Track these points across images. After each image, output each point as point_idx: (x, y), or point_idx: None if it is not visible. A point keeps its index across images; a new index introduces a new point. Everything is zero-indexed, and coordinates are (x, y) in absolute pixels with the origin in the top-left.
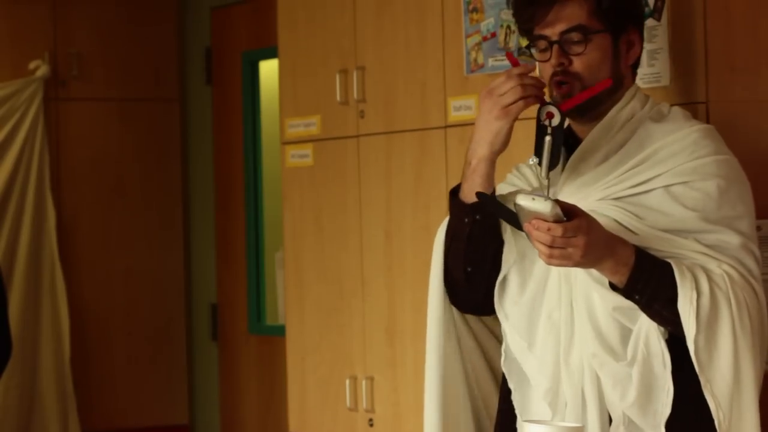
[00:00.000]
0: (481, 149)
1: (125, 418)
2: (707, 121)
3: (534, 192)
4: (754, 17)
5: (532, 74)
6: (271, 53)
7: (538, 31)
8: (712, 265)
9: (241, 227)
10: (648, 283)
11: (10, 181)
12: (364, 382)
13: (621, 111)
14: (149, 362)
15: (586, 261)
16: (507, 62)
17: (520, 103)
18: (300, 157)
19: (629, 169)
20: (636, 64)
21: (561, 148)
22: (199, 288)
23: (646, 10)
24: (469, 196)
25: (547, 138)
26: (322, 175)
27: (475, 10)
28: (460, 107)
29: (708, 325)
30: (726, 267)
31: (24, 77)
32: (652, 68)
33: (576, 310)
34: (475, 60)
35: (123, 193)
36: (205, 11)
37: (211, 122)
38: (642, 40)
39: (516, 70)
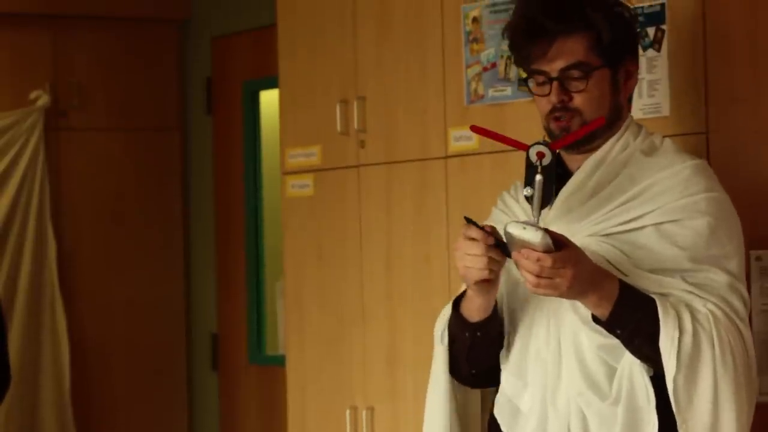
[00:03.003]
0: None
1: None
2: (707, 153)
3: (525, 221)
4: (753, 48)
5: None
6: (271, 83)
7: (536, 66)
8: (698, 304)
9: (241, 257)
10: (630, 317)
11: (11, 211)
12: (364, 413)
13: (615, 145)
14: (149, 392)
15: (571, 292)
16: (507, 92)
17: (485, 273)
18: (300, 187)
19: (619, 205)
20: (631, 95)
21: (553, 188)
22: (200, 317)
23: (646, 40)
24: (469, 314)
25: (538, 177)
26: (322, 205)
27: (475, 40)
28: (461, 137)
29: (689, 364)
30: (711, 306)
31: (24, 107)
32: (652, 99)
33: (563, 349)
34: (476, 90)
35: (123, 222)
36: (206, 41)
37: (212, 152)
38: (638, 68)
39: (488, 240)
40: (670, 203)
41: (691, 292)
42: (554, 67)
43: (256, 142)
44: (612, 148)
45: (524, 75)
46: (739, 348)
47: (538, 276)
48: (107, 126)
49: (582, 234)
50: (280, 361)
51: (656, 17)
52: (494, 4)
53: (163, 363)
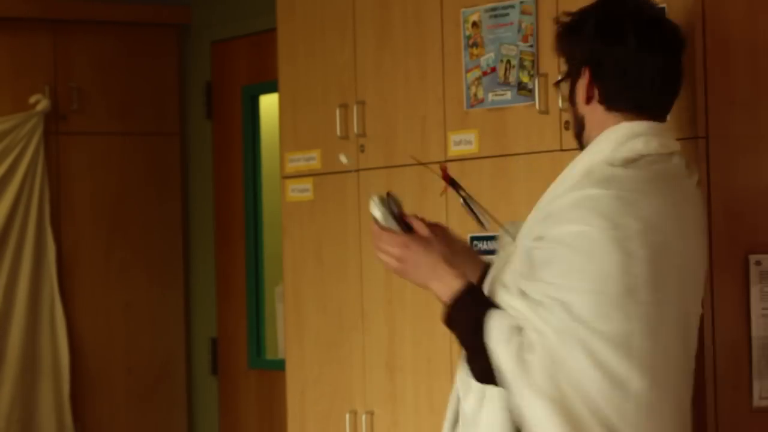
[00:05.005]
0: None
1: None
2: (706, 157)
3: (389, 199)
4: (753, 52)
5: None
6: (271, 87)
7: None
8: (528, 321)
9: (241, 261)
10: (461, 320)
11: (10, 215)
12: (363, 417)
13: (581, 160)
14: (149, 397)
15: (407, 274)
16: (506, 97)
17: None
18: (300, 191)
19: (541, 219)
20: (608, 100)
21: (473, 205)
22: (199, 322)
23: None
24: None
25: (460, 201)
26: (322, 209)
27: (475, 44)
28: (460, 142)
29: (501, 380)
30: (539, 324)
31: (24, 111)
32: None
33: None
34: (475, 95)
35: (123, 227)
36: (206, 45)
37: (212, 156)
38: (592, 75)
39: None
40: (548, 229)
41: (525, 310)
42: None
43: (256, 146)
44: (578, 161)
45: (527, 79)
46: (543, 361)
47: (378, 250)
48: (107, 130)
49: (521, 241)
50: (279, 366)
51: None
52: (494, 9)
53: (162, 367)
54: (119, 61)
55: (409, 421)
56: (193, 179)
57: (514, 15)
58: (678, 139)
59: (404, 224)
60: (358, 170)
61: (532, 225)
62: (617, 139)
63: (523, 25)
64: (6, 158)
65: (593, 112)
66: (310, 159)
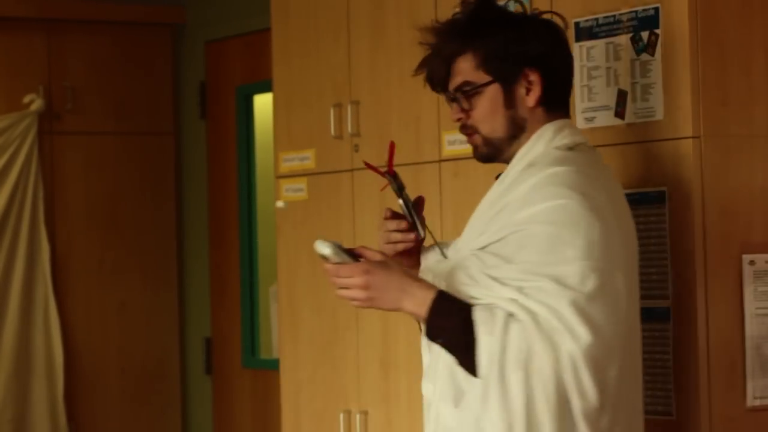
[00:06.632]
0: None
1: None
2: (700, 157)
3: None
4: (747, 52)
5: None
6: (265, 87)
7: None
8: (518, 311)
9: (235, 261)
10: (447, 325)
11: (4, 215)
12: (358, 416)
13: (521, 159)
14: (143, 396)
15: (380, 302)
16: None
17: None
18: (294, 191)
19: (491, 218)
20: (549, 101)
21: (411, 206)
22: (193, 322)
23: (640, 44)
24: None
25: (400, 202)
26: (316, 208)
27: None
28: (455, 141)
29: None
30: (526, 314)
31: (18, 111)
32: (646, 103)
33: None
34: None
35: (117, 226)
36: (200, 45)
37: (206, 156)
38: (542, 77)
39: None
40: (515, 215)
41: (516, 300)
42: (451, 88)
43: (250, 146)
44: (516, 162)
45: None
46: (542, 356)
47: (340, 288)
48: (101, 130)
49: (466, 250)
50: (274, 365)
51: (650, 21)
52: None
53: (157, 367)
54: (113, 61)
55: (403, 420)
56: (187, 179)
57: None
58: (672, 139)
59: (354, 256)
60: (352, 170)
61: (481, 227)
62: (549, 135)
63: None
64: (0, 158)
65: (534, 114)
66: (304, 159)
